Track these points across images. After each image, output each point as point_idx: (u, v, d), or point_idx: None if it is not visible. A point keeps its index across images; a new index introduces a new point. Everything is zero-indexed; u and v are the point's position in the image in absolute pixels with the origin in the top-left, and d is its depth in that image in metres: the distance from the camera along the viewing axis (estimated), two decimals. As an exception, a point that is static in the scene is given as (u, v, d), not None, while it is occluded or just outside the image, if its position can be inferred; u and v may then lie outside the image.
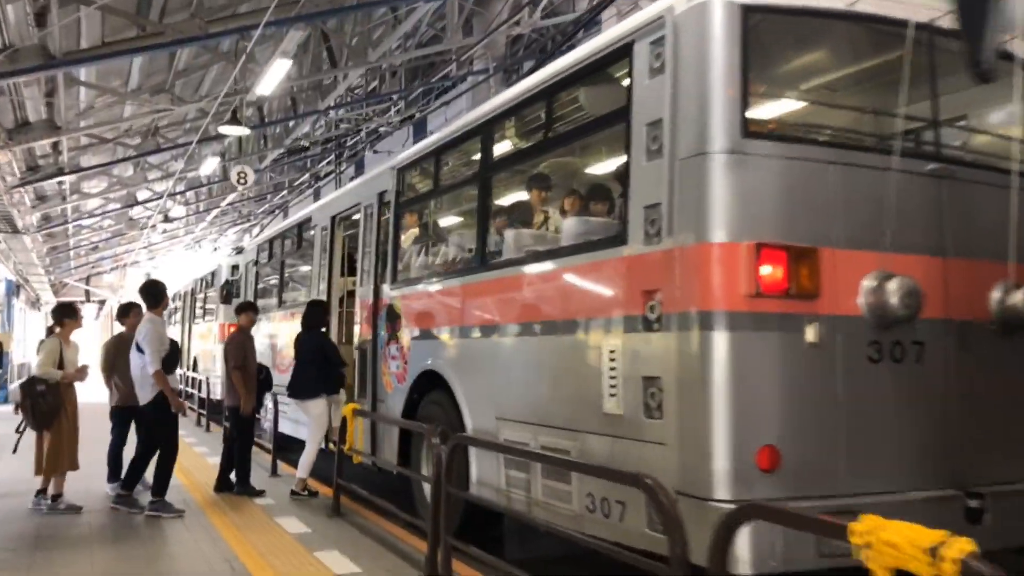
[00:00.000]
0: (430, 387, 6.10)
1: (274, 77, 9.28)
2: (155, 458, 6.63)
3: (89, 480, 7.13)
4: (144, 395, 6.59)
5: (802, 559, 3.33)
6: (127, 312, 7.78)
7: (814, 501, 3.38)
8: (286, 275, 10.66)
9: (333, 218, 8.44)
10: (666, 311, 3.68)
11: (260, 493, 7.29)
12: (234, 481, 7.45)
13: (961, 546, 1.81)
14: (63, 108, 9.64)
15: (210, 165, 13.90)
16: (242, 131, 11.16)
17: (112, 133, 12.83)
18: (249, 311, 7.88)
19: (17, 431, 7.47)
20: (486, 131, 5.44)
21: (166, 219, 20.00)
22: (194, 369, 17.20)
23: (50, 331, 7.18)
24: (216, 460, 9.62)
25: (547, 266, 4.69)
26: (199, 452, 10.42)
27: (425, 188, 6.71)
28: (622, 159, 4.18)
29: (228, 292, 13.43)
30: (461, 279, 5.66)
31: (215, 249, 29.08)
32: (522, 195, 5.69)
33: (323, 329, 7.56)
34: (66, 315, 7.04)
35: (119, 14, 8.17)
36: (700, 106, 3.63)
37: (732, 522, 2.61)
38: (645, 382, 3.77)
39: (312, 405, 7.15)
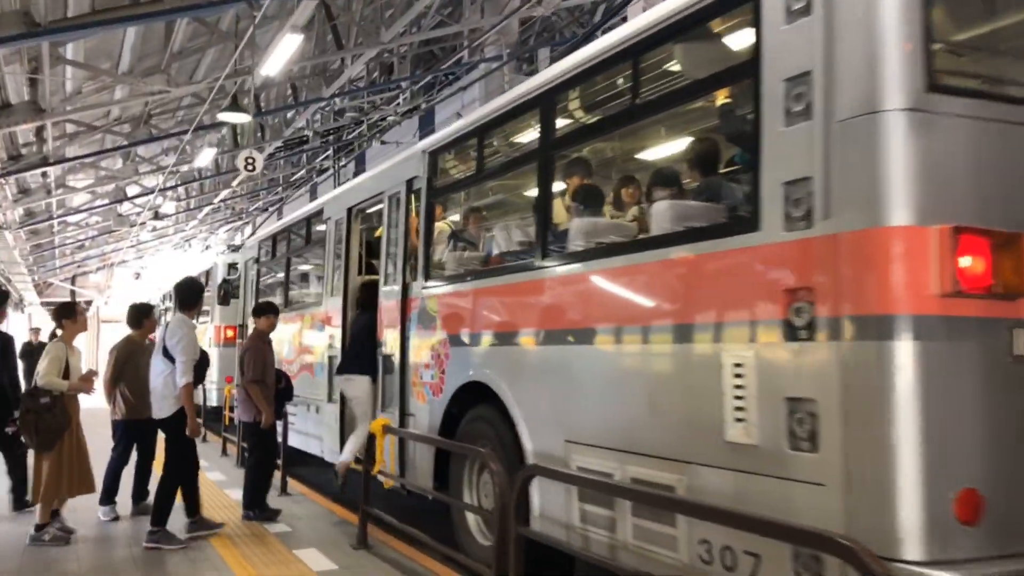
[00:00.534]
0: (474, 401, 5.30)
1: (282, 55, 8.43)
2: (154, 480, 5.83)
3: (73, 502, 6.25)
4: (164, 408, 5.78)
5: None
6: (147, 314, 6.94)
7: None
8: (293, 273, 9.82)
9: (350, 210, 7.60)
10: (821, 315, 2.89)
11: (276, 513, 6.48)
12: (241, 503, 6.61)
13: None
14: (48, 90, 8.79)
15: (206, 156, 13.00)
16: (243, 118, 10.31)
17: (101, 120, 11.95)
18: (269, 314, 6.99)
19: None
20: (548, 102, 4.63)
21: (156, 216, 19.07)
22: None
23: (52, 335, 6.31)
24: (218, 476, 8.82)
25: (639, 259, 3.87)
26: (211, 479, 9.55)
27: (465, 172, 5.90)
28: (744, 125, 3.38)
29: (226, 292, 12.59)
30: (518, 276, 4.85)
31: (206, 248, 28.16)
32: (597, 176, 4.88)
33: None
34: (64, 315, 6.18)
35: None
36: (867, 52, 2.84)
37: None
38: (790, 404, 2.98)
39: (357, 382, 6.60)
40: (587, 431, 4.08)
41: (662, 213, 3.80)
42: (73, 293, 32.97)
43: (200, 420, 6.70)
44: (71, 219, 19.64)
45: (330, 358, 7.79)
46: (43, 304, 29.68)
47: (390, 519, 5.53)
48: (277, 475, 7.81)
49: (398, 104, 14.13)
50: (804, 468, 2.91)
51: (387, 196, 6.76)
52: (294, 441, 8.40)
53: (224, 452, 10.73)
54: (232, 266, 14.62)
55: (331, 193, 8.43)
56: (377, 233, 8.44)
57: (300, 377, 8.56)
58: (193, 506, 5.98)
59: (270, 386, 6.71)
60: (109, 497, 6.58)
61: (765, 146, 3.17)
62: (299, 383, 8.34)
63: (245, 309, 11.59)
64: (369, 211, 7.49)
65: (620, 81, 4.11)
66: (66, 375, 5.88)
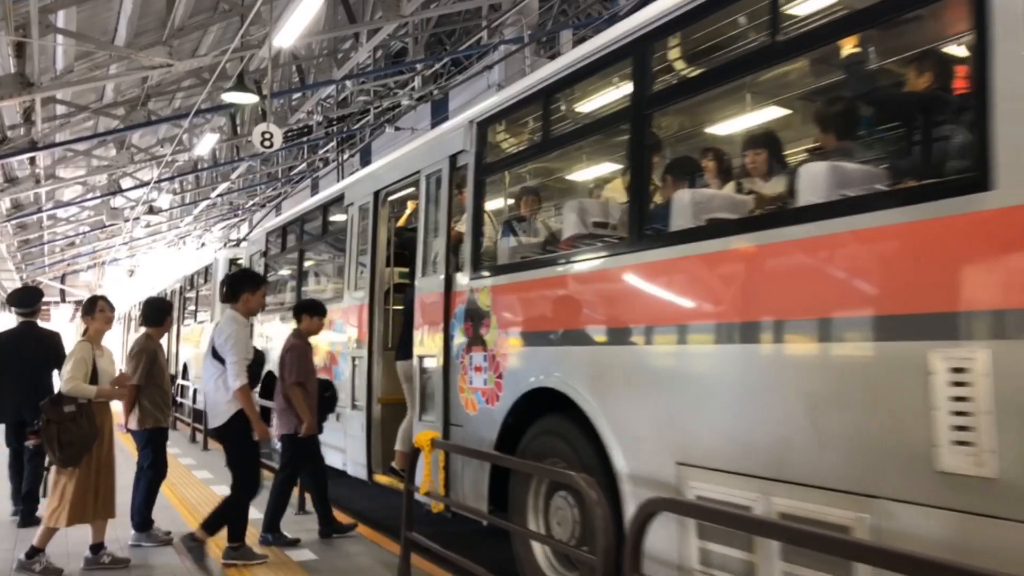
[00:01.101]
0: (540, 411, 4.51)
1: (300, 21, 7.59)
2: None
3: (83, 528, 5.36)
4: (219, 415, 5.11)
5: None
6: (168, 310, 6.12)
7: None
8: (306, 267, 8.99)
9: (377, 194, 6.78)
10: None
11: (295, 541, 5.67)
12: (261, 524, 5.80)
13: None
14: (36, 62, 7.93)
15: (207, 143, 12.13)
16: (250, 98, 9.49)
17: (95, 103, 11.09)
18: (316, 314, 6.12)
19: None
20: (646, 49, 3.82)
21: (151, 210, 18.17)
22: (184, 376, 15.48)
23: (84, 333, 5.47)
24: (223, 489, 7.96)
25: (797, 234, 3.07)
26: (201, 478, 8.72)
27: (527, 142, 5.09)
28: (954, 56, 2.60)
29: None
30: (602, 262, 4.04)
31: (201, 245, 27.25)
32: (711, 138, 4.08)
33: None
34: (84, 311, 5.38)
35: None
36: None
37: None
38: (1051, 425, 2.19)
39: (401, 367, 6.10)
40: (711, 451, 3.28)
41: (828, 175, 2.99)
42: (63, 292, 31.99)
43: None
44: (61, 213, 18.73)
45: (353, 359, 6.97)
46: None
47: (437, 548, 4.72)
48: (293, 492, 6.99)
49: (412, 88, 13.28)
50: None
51: (424, 176, 5.95)
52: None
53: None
54: (234, 262, 13.80)
55: (353, 176, 7.61)
56: (401, 221, 7.65)
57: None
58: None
59: (312, 393, 5.94)
60: (146, 522, 5.76)
61: (996, 81, 2.38)
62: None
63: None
64: (403, 193, 6.68)
65: (757, 11, 3.30)
66: (93, 379, 5.07)
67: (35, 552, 4.91)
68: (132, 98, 11.31)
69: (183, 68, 9.23)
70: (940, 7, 2.74)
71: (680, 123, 4.00)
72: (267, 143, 8.69)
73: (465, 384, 5.20)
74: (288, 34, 7.91)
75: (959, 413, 2.39)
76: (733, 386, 3.20)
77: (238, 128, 15.44)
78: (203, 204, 20.55)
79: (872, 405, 2.66)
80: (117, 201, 17.86)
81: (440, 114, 14.29)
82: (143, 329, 5.99)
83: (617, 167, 4.44)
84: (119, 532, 5.43)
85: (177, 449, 10.62)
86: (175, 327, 16.94)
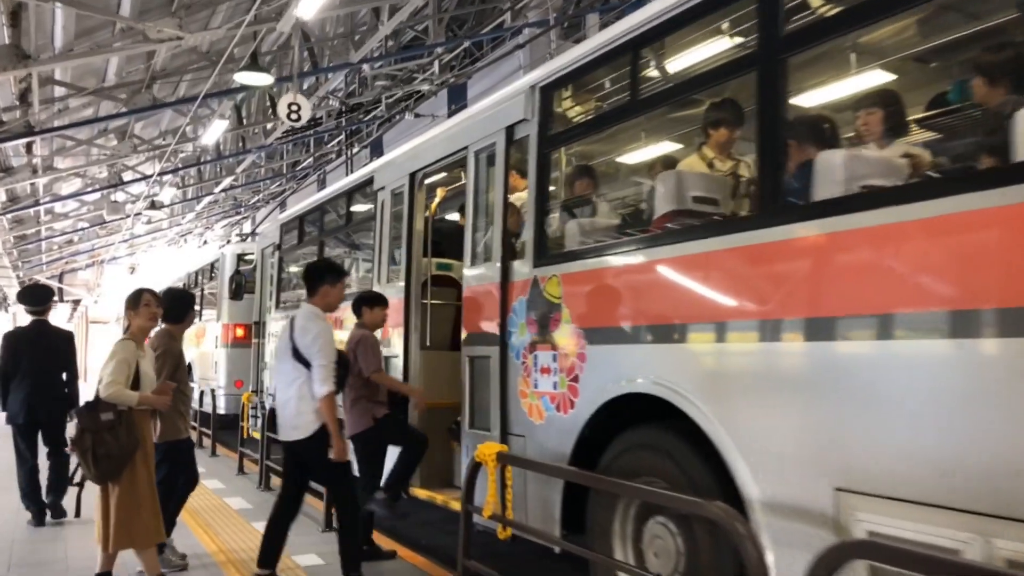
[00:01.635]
0: (627, 421, 3.82)
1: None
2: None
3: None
4: (301, 427, 4.47)
5: None
6: (191, 304, 5.42)
7: None
8: (328, 258, 8.27)
9: (413, 176, 6.08)
10: None
11: (391, 556, 5.25)
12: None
13: None
14: (34, 39, 7.23)
15: (216, 130, 11.40)
16: (264, 79, 8.79)
17: (95, 82, 10.38)
18: (375, 304, 5.50)
19: (73, 482, 4.84)
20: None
21: (153, 205, 17.44)
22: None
23: (125, 331, 4.77)
24: (240, 503, 7.27)
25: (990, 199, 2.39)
26: (212, 489, 8.02)
27: (609, 106, 4.39)
28: None
29: (238, 286, 11.04)
30: (723, 240, 3.34)
31: (203, 243, 26.52)
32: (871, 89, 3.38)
33: None
34: (128, 305, 4.65)
35: None
36: None
37: None
38: None
39: None
40: (891, 476, 2.59)
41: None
42: (61, 291, 31.23)
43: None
44: (59, 208, 18.00)
45: (387, 360, 6.27)
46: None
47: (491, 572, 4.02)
48: (319, 508, 6.30)
49: (432, 74, 12.58)
50: None
51: (472, 153, 5.25)
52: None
53: (241, 470, 9.18)
54: (242, 257, 13.13)
55: (384, 158, 6.90)
56: (431, 209, 6.96)
57: (341, 383, 7.04)
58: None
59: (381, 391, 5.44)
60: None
61: None
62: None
63: (262, 304, 10.05)
64: (444, 174, 5.99)
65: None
66: (135, 384, 4.38)
67: None
68: (136, 81, 10.59)
69: (193, 42, 8.51)
70: None
71: (824, 69, 3.31)
72: (294, 116, 7.98)
73: (528, 388, 4.50)
74: (310, 5, 7.19)
75: None
76: (929, 392, 2.51)
77: (243, 119, 14.74)
78: (206, 200, 19.79)
79: None
80: (118, 196, 17.12)
81: (457, 102, 13.58)
82: (162, 325, 5.22)
83: (730, 129, 3.74)
84: (126, 555, 4.73)
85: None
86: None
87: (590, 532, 4.01)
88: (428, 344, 6.05)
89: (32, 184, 14.67)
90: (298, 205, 8.97)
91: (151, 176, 15.02)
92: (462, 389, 5.20)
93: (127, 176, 16.46)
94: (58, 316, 37.36)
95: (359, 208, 7.37)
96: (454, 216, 7.65)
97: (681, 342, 3.47)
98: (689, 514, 3.30)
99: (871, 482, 2.64)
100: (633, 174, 4.58)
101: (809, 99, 3.47)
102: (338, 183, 7.90)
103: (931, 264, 2.56)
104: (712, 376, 3.32)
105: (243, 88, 10.53)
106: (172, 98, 12.97)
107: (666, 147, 4.45)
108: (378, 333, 5.69)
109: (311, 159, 19.76)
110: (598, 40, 4.26)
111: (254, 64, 8.71)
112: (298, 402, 4.45)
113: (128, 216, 18.02)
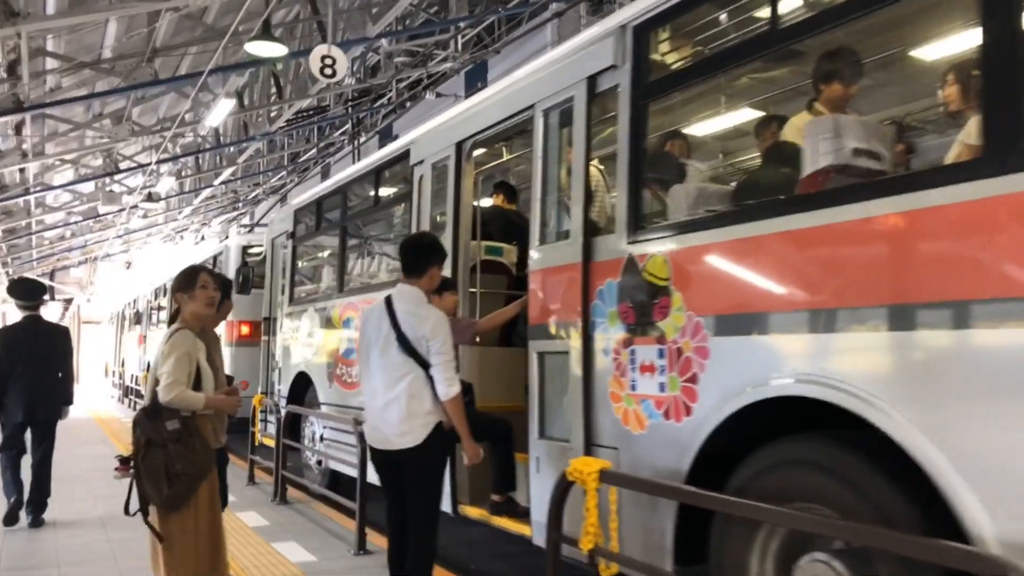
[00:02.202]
0: (767, 432, 3.05)
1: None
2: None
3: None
4: (411, 433, 3.70)
5: None
6: (227, 294, 4.62)
7: None
8: (352, 246, 7.49)
9: (460, 145, 5.29)
10: None
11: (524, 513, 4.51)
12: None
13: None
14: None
15: (222, 110, 10.56)
16: (277, 49, 7.99)
17: (88, 57, 9.55)
18: (444, 290, 4.54)
19: (129, 513, 3.89)
20: None
21: (149, 198, 16.58)
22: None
23: (173, 318, 3.83)
24: (253, 517, 6.43)
25: None
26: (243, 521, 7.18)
27: (729, 40, 3.58)
28: None
29: (245, 279, 10.26)
30: (923, 197, 2.56)
31: (201, 239, 25.67)
32: None
33: None
34: (181, 286, 3.75)
35: None
36: None
37: None
38: None
39: None
40: None
41: None
42: (52, 289, 30.26)
43: None
44: (51, 200, 17.11)
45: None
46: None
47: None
48: (349, 527, 5.50)
49: (456, 51, 11.77)
50: None
51: (541, 112, 4.46)
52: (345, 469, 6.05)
53: (251, 480, 8.35)
54: (247, 249, 12.32)
55: (420, 128, 6.09)
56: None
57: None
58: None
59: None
60: None
61: None
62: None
63: (272, 299, 9.23)
64: (500, 140, 5.20)
65: None
66: (197, 384, 3.58)
67: None
68: (135, 53, 9.75)
69: (200, 2, 7.68)
70: None
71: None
72: (328, 71, 7.16)
73: (622, 390, 3.71)
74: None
75: None
76: None
77: (244, 104, 13.91)
78: (205, 192, 18.91)
79: None
80: (113, 188, 16.26)
81: (475, 83, 12.78)
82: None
83: (910, 63, 2.97)
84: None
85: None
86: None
87: (716, 567, 3.23)
88: (477, 339, 5.26)
89: (22, 171, 13.78)
90: (315, 189, 8.16)
91: (148, 165, 14.16)
92: (529, 391, 4.41)
93: (124, 166, 15.60)
94: (49, 315, 36.44)
95: (391, 187, 6.58)
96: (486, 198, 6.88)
97: (862, 330, 2.69)
98: (875, 552, 2.51)
99: None
100: (764, 127, 3.79)
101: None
102: (364, 160, 7.09)
103: None
104: (911, 373, 2.54)
105: (253, 63, 9.71)
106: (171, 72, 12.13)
107: (808, 90, 3.65)
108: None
109: (315, 150, 18.93)
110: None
111: (267, 33, 7.91)
112: (408, 402, 3.67)
113: (124, 209, 17.14)
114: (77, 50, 9.91)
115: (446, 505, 5.15)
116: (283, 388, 8.45)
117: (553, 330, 4.20)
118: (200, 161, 17.52)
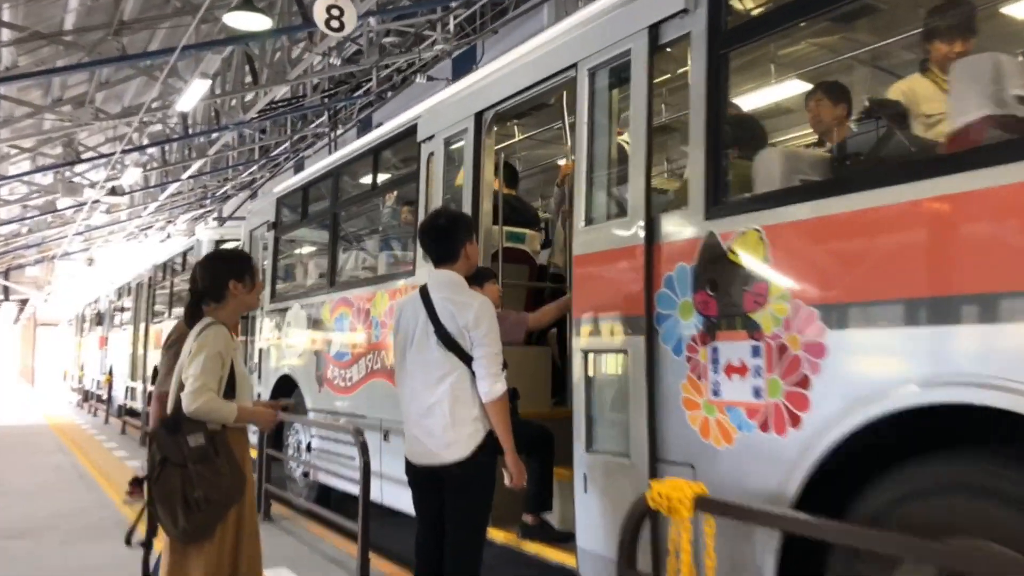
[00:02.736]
0: (914, 447, 2.45)
1: None
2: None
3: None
4: (456, 443, 3.09)
5: None
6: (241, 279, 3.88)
7: None
8: (345, 236, 6.80)
9: (480, 116, 4.64)
10: None
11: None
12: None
13: None
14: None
15: (196, 91, 9.67)
16: (260, 21, 7.27)
17: (49, 28, 8.72)
18: (484, 280, 4.03)
19: (130, 543, 3.14)
20: None
21: (113, 192, 15.64)
22: (155, 382, 13.11)
23: (193, 311, 3.19)
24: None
25: None
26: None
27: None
28: None
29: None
30: None
31: (167, 237, 24.65)
32: None
33: None
34: (240, 275, 3.19)
35: None
36: None
37: None
38: None
39: None
40: None
41: None
42: (6, 289, 28.92)
43: None
44: (5, 193, 16.05)
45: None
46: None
47: None
48: (350, 552, 4.81)
49: (448, 31, 11.07)
50: None
51: (586, 71, 3.82)
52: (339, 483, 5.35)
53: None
54: (220, 244, 11.56)
55: (431, 99, 5.43)
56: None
57: (368, 386, 5.60)
58: None
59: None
60: None
61: None
62: (366, 394, 5.47)
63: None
64: (530, 108, 4.57)
65: None
66: (229, 391, 2.93)
67: None
68: (100, 25, 8.92)
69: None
70: None
71: None
72: (335, 23, 6.44)
73: (700, 396, 3.09)
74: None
75: None
76: None
77: (215, 87, 13.07)
78: (172, 186, 17.96)
79: None
80: (74, 176, 15.29)
81: (464, 70, 12.13)
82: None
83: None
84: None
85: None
86: (144, 324, 14.54)
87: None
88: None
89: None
90: (302, 173, 7.46)
91: (112, 155, 13.26)
92: (573, 397, 3.78)
93: (86, 156, 14.65)
94: (5, 317, 34.91)
95: (392, 167, 5.91)
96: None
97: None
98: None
99: None
100: (888, 74, 3.20)
101: None
102: (361, 139, 6.40)
103: None
104: None
105: (230, 39, 8.95)
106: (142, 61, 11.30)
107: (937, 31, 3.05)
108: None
109: (288, 143, 18.09)
110: None
111: (248, 3, 7.19)
112: (452, 407, 3.06)
113: (85, 203, 16.16)
114: (36, 24, 9.07)
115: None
116: (264, 393, 7.72)
117: (605, 325, 3.57)
118: (167, 153, 16.59)
